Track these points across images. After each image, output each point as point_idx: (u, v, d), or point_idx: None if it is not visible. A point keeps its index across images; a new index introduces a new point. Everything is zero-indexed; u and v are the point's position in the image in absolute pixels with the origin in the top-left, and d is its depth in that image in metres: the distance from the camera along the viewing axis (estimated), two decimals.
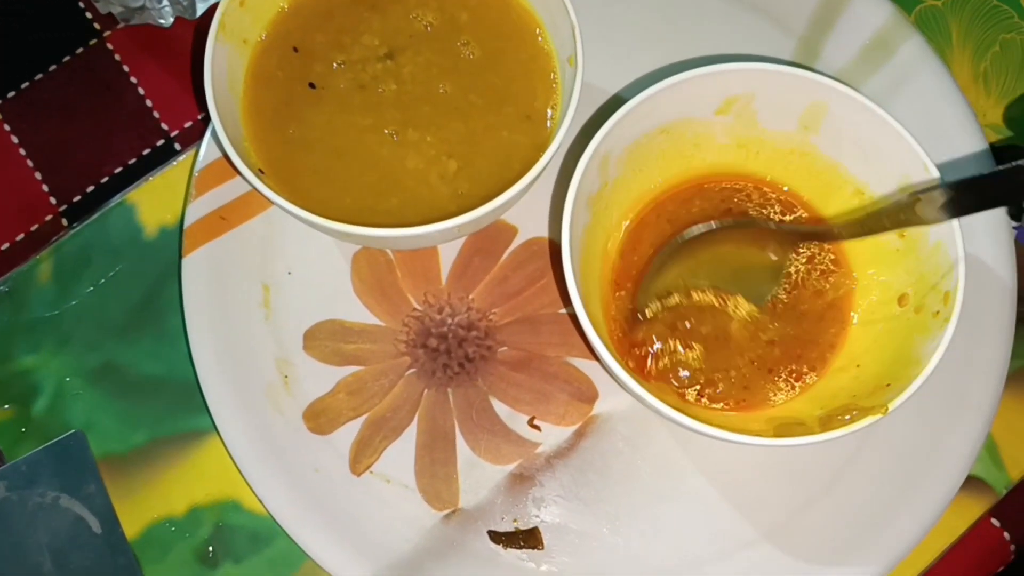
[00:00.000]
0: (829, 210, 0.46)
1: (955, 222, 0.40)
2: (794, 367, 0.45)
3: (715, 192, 0.47)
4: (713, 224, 0.45)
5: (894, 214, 0.41)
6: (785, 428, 0.41)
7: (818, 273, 0.46)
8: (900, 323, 0.42)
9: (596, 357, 0.40)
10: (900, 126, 0.42)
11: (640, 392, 0.38)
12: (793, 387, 0.44)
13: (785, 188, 0.47)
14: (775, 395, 0.44)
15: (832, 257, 0.46)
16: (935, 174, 0.41)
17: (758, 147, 0.46)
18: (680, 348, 0.44)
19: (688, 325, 0.44)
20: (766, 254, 0.45)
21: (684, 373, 0.44)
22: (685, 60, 0.52)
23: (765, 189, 0.47)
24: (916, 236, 0.42)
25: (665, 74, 0.42)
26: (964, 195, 0.38)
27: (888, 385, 0.39)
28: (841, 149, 0.45)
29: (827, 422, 0.40)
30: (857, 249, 0.45)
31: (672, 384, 0.44)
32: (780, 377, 0.44)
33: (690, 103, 0.44)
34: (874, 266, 0.45)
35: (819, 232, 0.45)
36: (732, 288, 0.45)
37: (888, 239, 0.44)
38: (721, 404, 0.44)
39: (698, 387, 0.44)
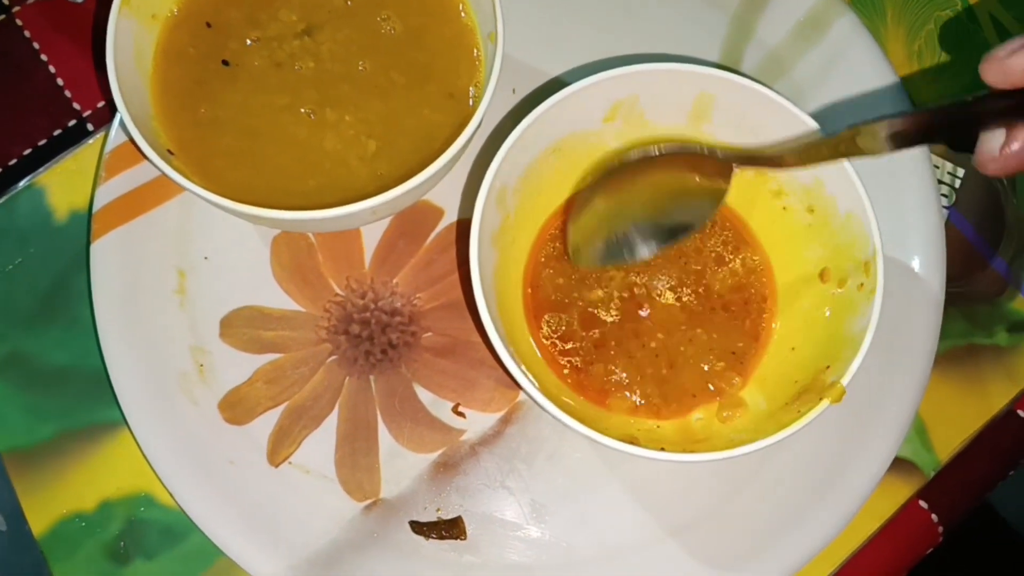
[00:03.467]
0: (730, 193, 0.45)
1: (862, 190, 0.40)
2: (728, 351, 0.44)
3: None
4: (650, 150, 0.42)
5: (835, 145, 0.39)
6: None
7: (729, 253, 0.45)
8: (826, 299, 0.42)
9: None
10: (786, 100, 0.41)
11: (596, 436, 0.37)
12: (732, 378, 0.43)
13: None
14: (717, 386, 0.43)
15: (740, 235, 0.45)
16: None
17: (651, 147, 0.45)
18: (614, 367, 0.43)
19: (614, 340, 0.44)
20: (702, 180, 0.43)
21: (624, 385, 0.43)
22: (617, 38, 0.51)
23: None
24: (825, 210, 0.42)
25: (606, 65, 0.41)
26: (906, 127, 0.37)
27: (828, 367, 0.39)
28: (734, 132, 0.44)
29: (778, 417, 0.39)
30: (766, 227, 0.45)
31: (620, 402, 0.43)
32: (716, 367, 0.43)
33: (576, 117, 0.42)
34: (787, 243, 0.44)
35: (756, 157, 0.43)
36: (665, 220, 0.43)
37: (798, 215, 0.43)
38: (654, 405, 0.43)
39: (634, 394, 0.43)
